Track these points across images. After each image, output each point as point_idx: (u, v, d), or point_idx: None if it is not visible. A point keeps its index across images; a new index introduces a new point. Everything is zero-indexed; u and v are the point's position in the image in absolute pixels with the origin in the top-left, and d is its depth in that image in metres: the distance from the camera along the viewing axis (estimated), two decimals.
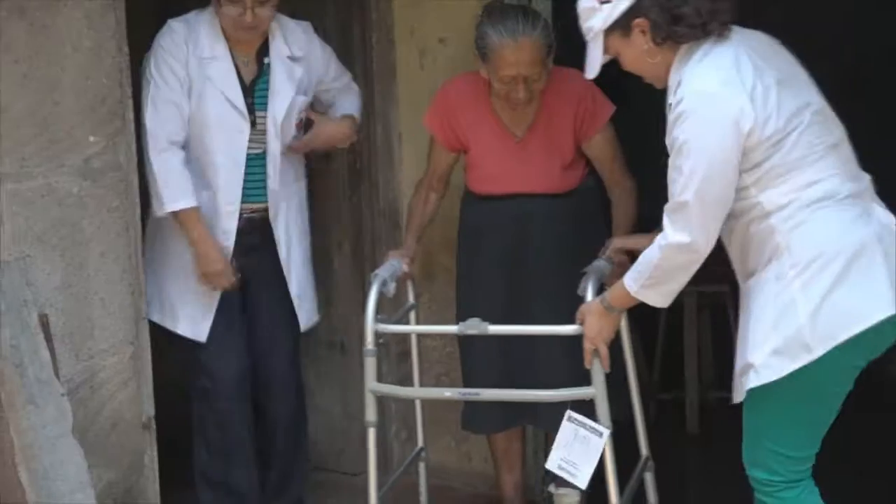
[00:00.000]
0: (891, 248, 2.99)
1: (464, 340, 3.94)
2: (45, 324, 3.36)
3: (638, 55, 3.12)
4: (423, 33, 4.35)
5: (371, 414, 3.56)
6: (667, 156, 3.05)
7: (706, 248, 3.01)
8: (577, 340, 3.37)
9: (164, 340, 3.91)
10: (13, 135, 3.35)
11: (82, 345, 3.52)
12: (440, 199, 4.02)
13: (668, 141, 3.03)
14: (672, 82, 3.07)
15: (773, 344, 2.97)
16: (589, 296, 3.37)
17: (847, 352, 2.94)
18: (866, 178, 3.10)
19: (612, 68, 3.25)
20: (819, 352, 2.93)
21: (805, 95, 3.04)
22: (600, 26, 3.12)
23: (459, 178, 4.03)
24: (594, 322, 3.31)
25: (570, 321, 3.41)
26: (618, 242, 3.66)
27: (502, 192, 3.88)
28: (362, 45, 4.42)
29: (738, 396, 3.09)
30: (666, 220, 3.03)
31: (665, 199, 3.06)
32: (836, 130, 3.08)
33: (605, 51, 3.14)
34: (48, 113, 3.41)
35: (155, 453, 3.69)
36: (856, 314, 2.93)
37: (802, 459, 3.06)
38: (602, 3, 3.10)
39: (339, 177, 4.54)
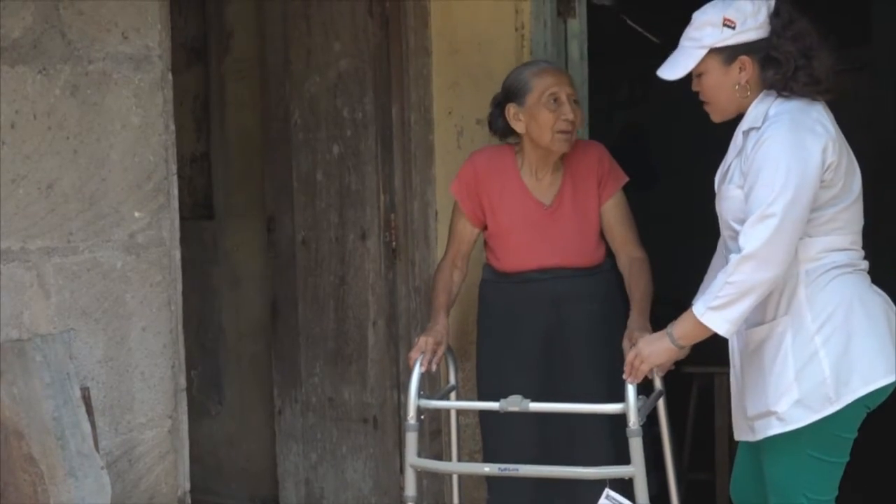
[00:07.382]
0: (892, 315, 3.19)
1: (489, 422, 3.90)
2: (86, 397, 3.39)
3: (723, 84, 3.17)
4: (460, 114, 4.40)
5: (411, 489, 3.57)
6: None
7: (779, 265, 3.06)
8: (616, 420, 3.38)
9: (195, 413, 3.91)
10: (61, 209, 3.41)
11: (122, 418, 3.54)
12: (462, 280, 3.97)
13: (748, 165, 3.09)
14: (754, 115, 3.14)
15: (796, 395, 3.11)
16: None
17: (860, 402, 3.11)
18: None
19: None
20: (840, 404, 3.09)
21: (857, 170, 3.19)
22: (709, 43, 3.15)
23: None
24: (650, 344, 3.31)
25: (608, 401, 3.43)
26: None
27: (534, 266, 3.84)
28: (401, 126, 4.48)
29: (749, 436, 3.25)
30: (742, 237, 3.07)
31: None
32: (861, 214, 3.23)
33: (697, 66, 3.17)
34: (96, 189, 3.47)
35: None
36: (872, 372, 3.10)
37: (832, 500, 3.20)
38: (725, 24, 3.12)
39: (374, 254, 4.59)
